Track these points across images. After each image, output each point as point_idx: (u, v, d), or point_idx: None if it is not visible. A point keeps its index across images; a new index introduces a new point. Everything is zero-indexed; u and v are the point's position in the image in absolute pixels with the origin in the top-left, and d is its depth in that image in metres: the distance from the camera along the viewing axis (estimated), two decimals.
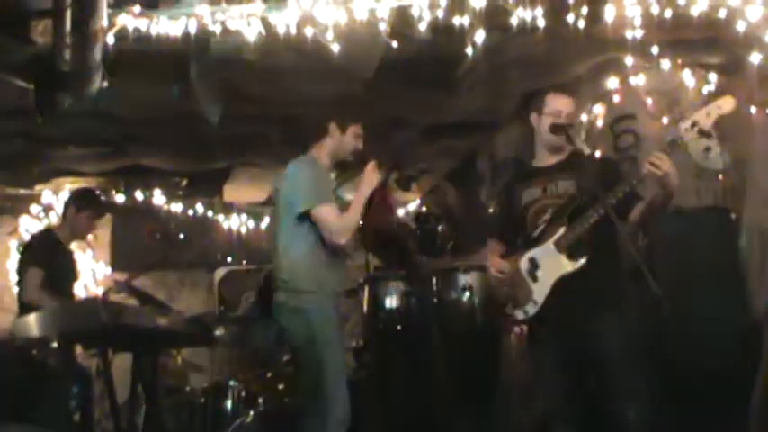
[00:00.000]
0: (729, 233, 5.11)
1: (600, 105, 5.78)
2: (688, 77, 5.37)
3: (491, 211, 5.56)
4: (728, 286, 4.95)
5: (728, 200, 5.24)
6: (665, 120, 5.33)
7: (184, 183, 8.41)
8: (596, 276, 3.93)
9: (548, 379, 4.13)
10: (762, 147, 5.05)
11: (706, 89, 5.27)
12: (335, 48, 4.73)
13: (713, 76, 5.30)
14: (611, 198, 3.82)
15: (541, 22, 4.66)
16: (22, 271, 5.89)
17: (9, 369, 4.54)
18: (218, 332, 6.16)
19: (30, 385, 4.47)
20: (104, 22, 4.47)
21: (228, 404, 5.88)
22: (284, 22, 4.61)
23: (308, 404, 4.45)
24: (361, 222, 4.64)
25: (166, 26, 4.62)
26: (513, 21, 4.65)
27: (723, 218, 5.19)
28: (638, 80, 5.54)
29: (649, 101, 5.50)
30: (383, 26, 4.70)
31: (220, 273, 8.54)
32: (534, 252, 4.10)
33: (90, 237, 6.54)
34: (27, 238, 7.77)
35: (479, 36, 4.75)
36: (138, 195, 8.30)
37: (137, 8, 4.59)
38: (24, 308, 5.53)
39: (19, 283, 5.92)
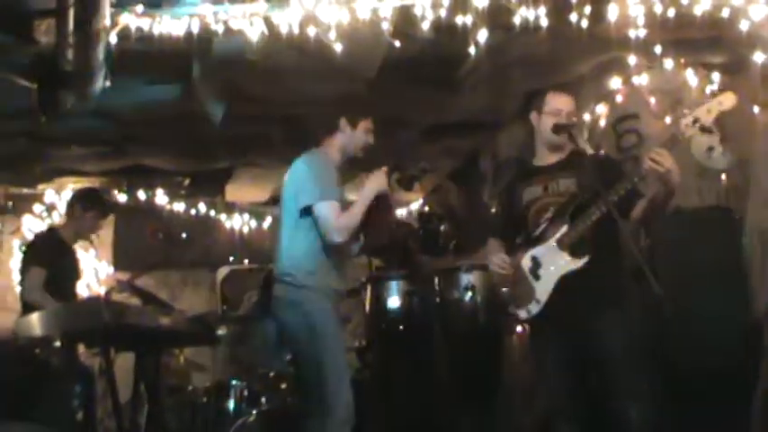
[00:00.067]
0: (732, 233, 5.10)
1: (603, 105, 5.78)
2: (691, 77, 5.36)
3: (493, 210, 5.55)
4: (730, 286, 4.94)
5: (731, 200, 5.23)
6: (668, 119, 5.32)
7: (187, 182, 8.41)
8: (598, 274, 3.93)
9: (550, 377, 4.13)
10: (765, 146, 5.04)
11: (709, 89, 5.26)
12: (338, 47, 4.73)
13: (716, 76, 5.29)
14: (612, 195, 3.82)
15: (544, 22, 4.65)
16: (24, 270, 5.90)
17: (12, 368, 4.55)
18: (221, 331, 6.16)
19: (32, 384, 4.48)
20: (107, 22, 4.46)
21: (231, 404, 5.87)
22: (287, 21, 4.61)
23: (311, 404, 4.44)
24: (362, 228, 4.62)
25: (169, 26, 4.61)
26: (516, 20, 4.65)
27: (725, 218, 5.18)
28: (641, 80, 5.54)
29: (652, 100, 5.49)
30: (386, 26, 4.70)
31: (223, 272, 8.54)
32: (536, 250, 4.10)
33: (93, 236, 6.53)
34: (30, 237, 7.77)
35: (482, 35, 4.75)
36: (141, 195, 8.31)
37: (139, 7, 4.58)
38: (27, 307, 5.54)
39: (21, 283, 5.93)
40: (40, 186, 8.23)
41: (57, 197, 8.32)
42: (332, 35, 4.66)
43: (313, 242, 4.45)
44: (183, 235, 8.43)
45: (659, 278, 3.56)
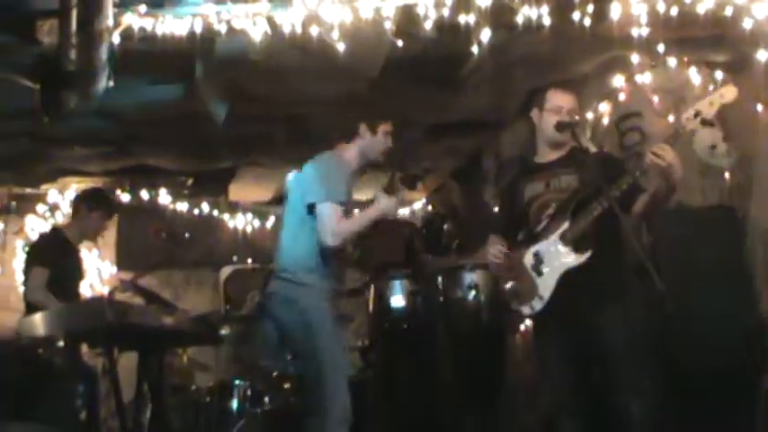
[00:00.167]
0: (735, 232, 5.09)
1: (606, 103, 5.78)
2: (694, 75, 5.35)
3: (495, 209, 5.55)
4: (733, 285, 4.93)
5: (734, 198, 5.23)
6: (671, 117, 5.32)
7: (190, 182, 8.42)
8: (600, 269, 3.93)
9: (553, 373, 4.12)
10: None
11: (712, 87, 5.25)
12: (341, 47, 4.73)
13: (719, 74, 5.28)
14: (614, 190, 3.82)
15: (547, 21, 4.65)
16: (27, 270, 5.91)
17: (15, 368, 4.56)
18: (224, 331, 6.16)
19: (35, 384, 4.48)
20: (110, 22, 4.46)
21: (234, 403, 5.88)
22: (290, 21, 4.61)
23: (309, 403, 4.44)
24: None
25: (172, 25, 4.62)
26: (519, 19, 4.65)
27: (729, 216, 5.17)
28: (644, 78, 5.54)
29: (655, 99, 5.49)
30: (388, 25, 4.70)
31: (226, 272, 8.53)
32: (538, 247, 4.09)
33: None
34: (33, 237, 7.79)
35: (485, 34, 4.75)
36: (144, 195, 8.31)
37: (142, 7, 4.59)
38: (30, 307, 5.54)
39: (24, 283, 5.93)
40: (43, 186, 8.24)
41: (60, 197, 8.34)
42: (335, 35, 4.66)
43: (315, 241, 4.45)
44: (186, 235, 8.46)
45: (661, 275, 3.56)
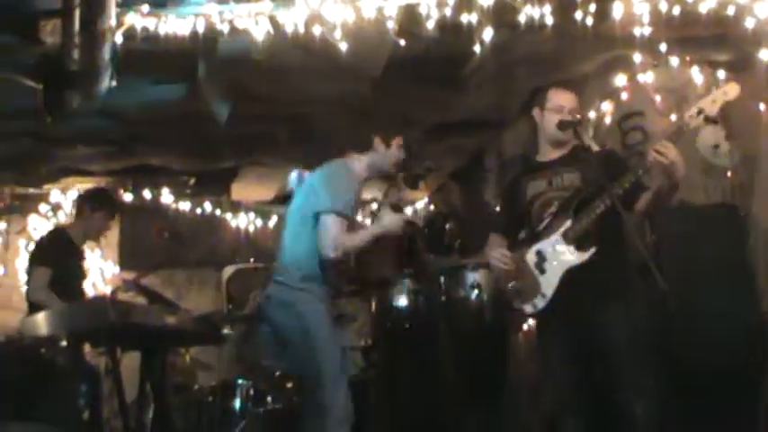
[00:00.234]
0: (737, 230, 5.09)
1: (608, 102, 5.78)
2: (696, 75, 5.36)
3: (497, 209, 5.56)
4: (736, 283, 4.93)
5: (737, 197, 5.23)
6: (673, 117, 5.32)
7: (192, 182, 8.42)
8: (603, 267, 3.93)
9: (556, 371, 4.12)
10: None
11: (714, 86, 5.25)
12: (343, 46, 4.73)
13: (722, 74, 5.28)
14: (617, 188, 3.82)
15: (549, 20, 4.66)
16: (30, 270, 5.91)
17: (18, 368, 4.55)
18: (227, 330, 6.16)
19: (38, 384, 4.48)
20: (113, 22, 4.47)
21: (237, 403, 5.88)
22: (292, 20, 4.62)
23: (309, 404, 4.45)
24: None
25: (174, 25, 4.62)
26: (521, 18, 4.66)
27: (731, 215, 5.17)
28: (647, 77, 5.54)
29: (657, 98, 5.49)
30: (391, 24, 4.70)
31: (228, 271, 8.52)
32: (541, 245, 4.09)
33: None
34: (36, 237, 7.79)
35: (487, 34, 4.76)
36: (147, 194, 8.30)
37: (145, 7, 4.59)
38: (33, 307, 5.54)
39: (27, 283, 5.94)
40: (46, 186, 8.24)
41: (62, 197, 8.34)
42: (337, 34, 4.67)
43: (315, 246, 4.45)
44: (189, 234, 8.45)
45: (664, 273, 3.56)
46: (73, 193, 8.19)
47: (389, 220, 4.60)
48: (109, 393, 5.68)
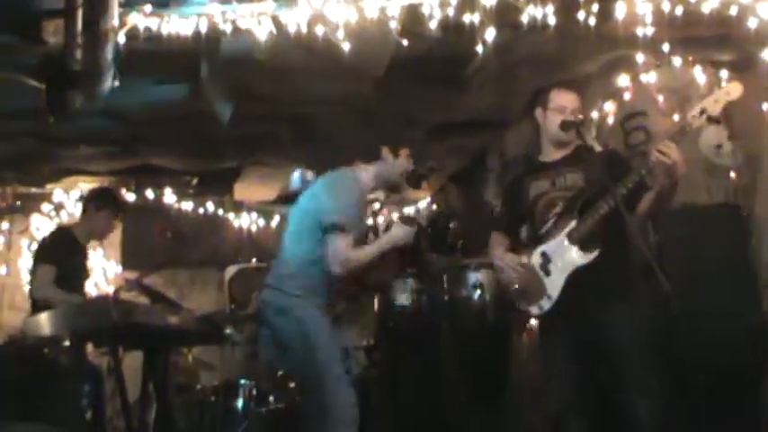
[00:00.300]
0: (740, 231, 5.08)
1: (611, 103, 5.77)
2: (699, 75, 5.34)
3: (498, 209, 5.56)
4: (739, 284, 4.92)
5: (740, 197, 5.22)
6: (676, 117, 5.32)
7: (195, 181, 8.43)
8: (607, 268, 3.93)
9: (560, 372, 4.11)
10: None
11: (717, 86, 5.25)
12: (346, 46, 4.73)
13: (724, 74, 5.27)
14: (621, 188, 3.81)
15: (552, 20, 4.65)
16: (34, 268, 5.90)
17: (21, 368, 4.56)
18: (229, 330, 6.17)
19: (41, 384, 4.49)
20: (115, 22, 4.48)
21: (239, 402, 5.89)
22: (295, 20, 4.61)
23: (310, 406, 4.44)
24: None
25: (177, 25, 4.62)
26: (524, 18, 4.65)
27: (734, 215, 5.16)
28: (649, 77, 5.53)
29: (660, 98, 5.48)
30: (394, 24, 4.70)
31: (231, 271, 8.54)
32: (546, 246, 4.09)
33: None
34: (38, 236, 7.80)
35: (490, 34, 4.75)
36: (149, 194, 8.32)
37: (147, 7, 4.60)
38: (37, 306, 5.55)
39: (31, 281, 5.94)
40: (49, 186, 8.25)
41: (65, 197, 8.35)
42: (340, 34, 4.66)
43: (317, 257, 4.43)
44: (191, 234, 8.46)
45: (667, 275, 3.55)
46: (75, 193, 8.22)
47: (399, 234, 4.58)
48: (111, 393, 5.70)
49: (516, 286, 4.17)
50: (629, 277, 4.09)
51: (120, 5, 4.49)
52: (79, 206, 7.12)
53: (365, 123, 6.31)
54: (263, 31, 4.63)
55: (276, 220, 8.98)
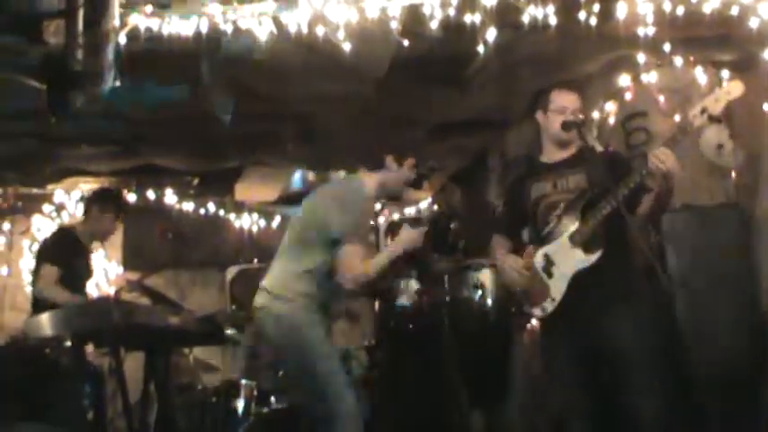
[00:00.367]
0: (742, 231, 5.08)
1: (612, 103, 5.77)
2: (700, 75, 5.34)
3: (499, 210, 5.56)
4: (740, 284, 4.93)
5: (741, 197, 5.21)
6: (677, 117, 5.31)
7: (196, 182, 8.43)
8: (609, 270, 3.92)
9: (563, 373, 4.11)
10: None
11: (718, 86, 5.25)
12: (347, 46, 4.73)
13: (726, 74, 5.27)
14: (622, 189, 3.81)
15: (553, 20, 4.65)
16: (37, 268, 5.91)
17: (22, 368, 4.57)
18: (230, 331, 6.17)
19: (42, 384, 4.49)
20: (116, 22, 4.48)
21: (241, 403, 5.88)
22: (295, 21, 4.61)
23: (316, 413, 4.41)
24: None
25: (178, 25, 4.63)
26: (525, 18, 4.65)
27: (735, 215, 5.16)
28: (650, 77, 5.52)
29: (661, 98, 5.47)
30: (394, 24, 4.70)
31: (232, 271, 8.55)
32: (548, 248, 4.08)
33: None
34: (40, 237, 7.81)
35: (491, 34, 4.75)
36: (150, 195, 8.31)
37: (148, 8, 4.60)
38: (38, 306, 5.55)
39: (33, 281, 5.94)
40: (50, 186, 8.25)
41: (66, 197, 8.35)
42: (340, 34, 4.66)
43: (318, 265, 4.42)
44: (193, 235, 8.47)
45: (669, 275, 3.56)
46: (76, 194, 8.22)
47: (408, 239, 4.56)
48: (113, 394, 5.70)
49: (519, 289, 4.17)
50: (631, 279, 4.08)
51: (121, 6, 4.50)
52: (80, 207, 7.13)
53: (366, 124, 6.31)
54: (263, 32, 4.64)
55: (277, 220, 8.98)
